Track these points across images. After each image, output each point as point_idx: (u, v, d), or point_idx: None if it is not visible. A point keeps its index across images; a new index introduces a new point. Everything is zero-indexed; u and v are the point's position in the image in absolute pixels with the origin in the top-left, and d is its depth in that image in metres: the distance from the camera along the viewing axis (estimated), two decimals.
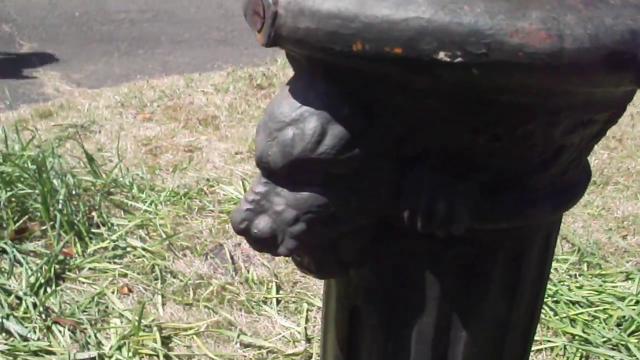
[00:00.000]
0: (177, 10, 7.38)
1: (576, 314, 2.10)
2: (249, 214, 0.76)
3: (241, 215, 0.76)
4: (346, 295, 0.91)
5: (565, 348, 1.98)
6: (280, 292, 2.25)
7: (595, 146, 0.87)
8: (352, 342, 0.95)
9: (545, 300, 2.14)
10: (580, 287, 2.22)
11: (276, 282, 2.28)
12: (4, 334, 1.97)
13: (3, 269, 2.23)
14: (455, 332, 0.87)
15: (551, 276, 2.24)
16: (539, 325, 2.07)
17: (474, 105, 0.65)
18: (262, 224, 0.75)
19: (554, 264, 2.33)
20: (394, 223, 0.79)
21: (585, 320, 2.08)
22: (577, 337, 2.01)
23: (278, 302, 2.20)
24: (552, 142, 0.70)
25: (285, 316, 2.12)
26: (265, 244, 0.76)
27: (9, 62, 5.24)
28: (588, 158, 0.87)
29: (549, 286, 2.18)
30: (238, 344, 1.99)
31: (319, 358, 1.11)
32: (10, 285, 2.16)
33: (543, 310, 2.11)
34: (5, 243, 2.33)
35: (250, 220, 0.76)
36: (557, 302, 2.15)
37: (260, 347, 1.98)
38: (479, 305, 0.85)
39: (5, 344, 1.91)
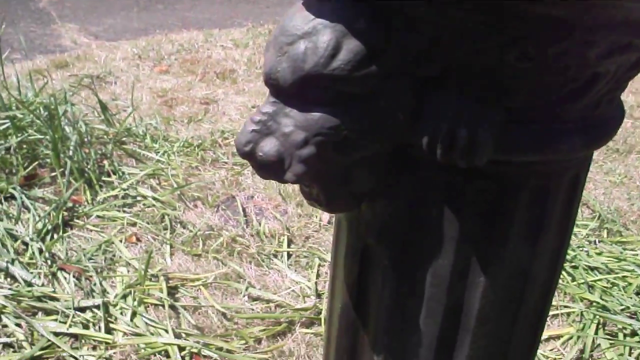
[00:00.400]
0: None
1: (594, 280, 2.04)
2: (255, 135, 0.70)
3: (246, 137, 0.71)
4: (357, 234, 0.86)
5: (582, 314, 1.93)
6: (292, 246, 2.20)
7: None
8: (362, 286, 0.90)
9: (563, 265, 2.08)
10: (599, 254, 2.16)
11: (288, 236, 2.23)
12: (8, 279, 1.93)
13: (11, 215, 2.20)
14: (472, 277, 0.81)
15: (570, 242, 2.18)
16: (555, 291, 2.01)
17: (502, 16, 0.59)
18: (268, 146, 0.70)
19: (574, 229, 2.27)
20: (411, 152, 0.73)
21: (604, 287, 2.02)
22: (594, 304, 1.96)
23: (289, 256, 2.15)
24: (587, 67, 0.64)
25: (295, 270, 2.08)
26: (271, 169, 0.71)
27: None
28: None
29: (567, 251, 2.12)
30: (246, 296, 1.95)
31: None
32: (17, 231, 2.12)
33: (560, 275, 2.05)
34: (14, 189, 2.30)
35: (255, 143, 0.70)
36: (575, 267, 2.10)
37: (268, 301, 1.94)
38: (499, 249, 0.80)
39: (10, 289, 1.88)
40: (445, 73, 0.66)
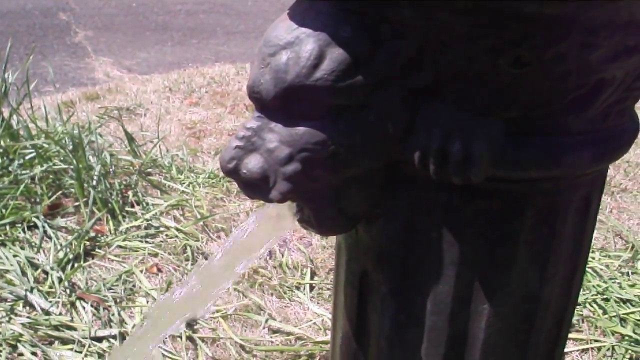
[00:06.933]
0: (234, 3, 7.36)
1: (627, 313, 1.96)
2: (239, 152, 0.67)
3: (230, 153, 0.67)
4: (354, 258, 0.82)
5: (613, 348, 1.85)
6: (315, 278, 2.15)
7: None
8: (362, 315, 0.85)
9: (593, 297, 2.01)
10: (632, 285, 2.08)
11: (311, 268, 2.18)
12: (27, 308, 1.91)
13: (33, 243, 2.18)
14: (476, 304, 0.76)
15: (602, 272, 2.11)
16: (586, 324, 1.94)
17: (492, 18, 0.55)
18: (252, 163, 0.66)
19: (606, 260, 2.20)
20: (405, 170, 0.69)
21: (637, 320, 1.94)
22: (626, 338, 1.88)
23: (311, 288, 2.10)
24: (590, 72, 0.59)
25: (318, 303, 2.03)
26: (256, 187, 0.67)
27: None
28: None
29: (598, 282, 2.05)
30: (266, 329, 1.90)
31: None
32: (38, 260, 2.10)
33: (591, 309, 1.98)
34: (37, 217, 2.28)
35: (239, 159, 0.66)
36: (606, 299, 2.02)
37: (289, 333, 1.89)
38: (505, 274, 0.75)
39: (28, 317, 1.85)
40: (437, 82, 0.62)
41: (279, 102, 0.64)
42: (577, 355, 1.83)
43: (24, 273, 2.03)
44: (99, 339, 1.80)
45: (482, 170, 0.63)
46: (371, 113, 0.64)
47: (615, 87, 0.63)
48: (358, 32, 0.61)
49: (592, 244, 1.18)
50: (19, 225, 2.29)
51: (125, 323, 1.87)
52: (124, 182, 2.61)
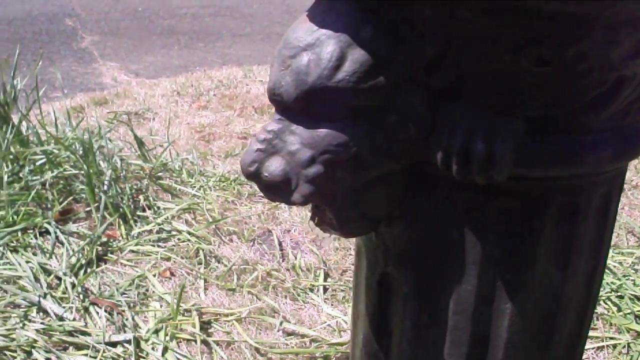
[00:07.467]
0: (239, 6, 7.36)
1: None
2: (260, 154, 0.66)
3: (251, 156, 0.67)
4: (375, 260, 0.81)
5: (629, 346, 1.85)
6: (329, 279, 2.15)
7: None
8: (383, 316, 0.85)
9: (607, 294, 2.01)
10: None
11: (324, 270, 2.18)
12: (40, 314, 1.91)
13: (45, 249, 2.18)
14: (498, 303, 0.76)
15: (615, 270, 2.11)
16: (600, 321, 1.94)
17: (513, 17, 0.55)
18: (274, 166, 0.66)
19: (619, 257, 2.20)
20: (427, 170, 0.69)
21: None
22: None
23: (325, 290, 2.10)
24: (611, 70, 0.59)
25: (332, 304, 2.03)
26: (278, 190, 0.67)
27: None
28: None
29: (612, 280, 2.04)
30: (280, 331, 1.90)
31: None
32: (50, 265, 2.10)
33: (605, 306, 1.98)
34: (49, 223, 2.28)
35: (260, 162, 0.66)
36: (621, 297, 2.02)
37: (303, 336, 1.89)
38: (527, 273, 0.74)
39: (42, 323, 1.86)
40: (458, 82, 0.62)
41: (300, 104, 0.64)
42: (592, 353, 1.83)
43: (37, 279, 2.03)
44: (114, 344, 1.80)
45: (505, 169, 0.63)
46: (393, 113, 0.64)
47: (635, 85, 0.63)
48: (379, 32, 0.61)
49: None
50: (31, 231, 2.29)
51: (140, 327, 1.87)
52: (135, 187, 2.61)
